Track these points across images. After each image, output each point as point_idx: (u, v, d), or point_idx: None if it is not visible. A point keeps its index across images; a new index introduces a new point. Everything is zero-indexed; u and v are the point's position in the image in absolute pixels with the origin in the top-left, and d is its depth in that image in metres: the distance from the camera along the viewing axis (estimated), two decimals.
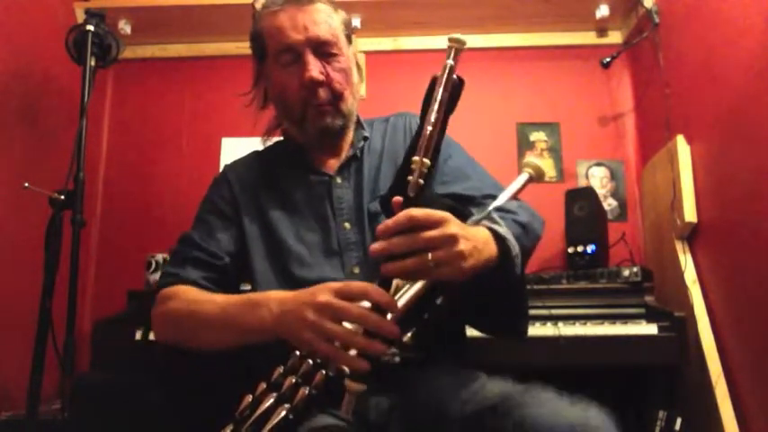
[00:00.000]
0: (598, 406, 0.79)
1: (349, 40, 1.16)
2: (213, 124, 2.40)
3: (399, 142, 1.19)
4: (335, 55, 1.10)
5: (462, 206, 0.94)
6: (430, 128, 0.79)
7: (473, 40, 2.41)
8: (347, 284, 0.82)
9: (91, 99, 1.73)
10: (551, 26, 2.38)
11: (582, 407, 0.78)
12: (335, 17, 1.12)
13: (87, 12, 1.81)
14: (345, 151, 1.17)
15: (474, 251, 0.82)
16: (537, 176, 0.93)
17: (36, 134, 1.99)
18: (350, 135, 1.18)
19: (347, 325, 0.78)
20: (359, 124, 1.20)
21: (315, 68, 1.06)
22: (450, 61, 0.80)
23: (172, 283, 1.05)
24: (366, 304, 0.79)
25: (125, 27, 2.28)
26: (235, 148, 2.33)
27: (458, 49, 0.80)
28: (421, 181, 0.79)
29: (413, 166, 0.79)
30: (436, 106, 0.80)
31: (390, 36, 2.41)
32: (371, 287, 0.79)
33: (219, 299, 0.97)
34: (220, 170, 2.23)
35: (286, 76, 1.10)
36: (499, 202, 0.91)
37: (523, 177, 0.93)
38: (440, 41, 2.42)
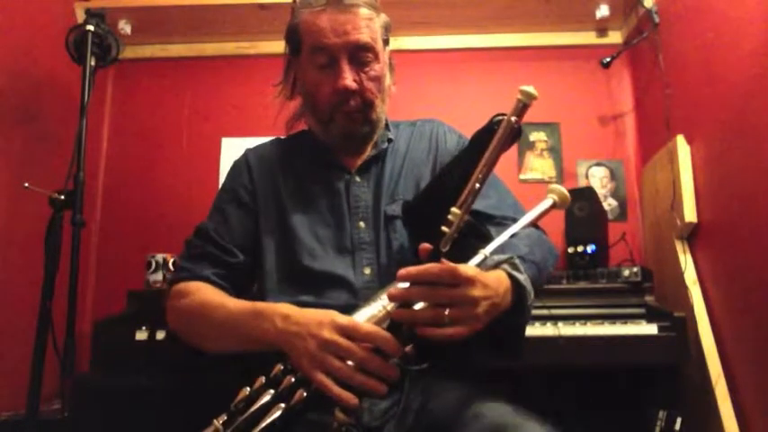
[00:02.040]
0: None
1: (386, 44, 1.15)
2: (213, 124, 2.40)
3: (423, 149, 1.19)
4: (371, 62, 1.09)
5: (480, 223, 0.94)
6: (478, 185, 0.78)
7: (473, 41, 2.42)
8: (354, 325, 0.82)
9: (91, 99, 1.73)
10: (551, 26, 2.37)
11: None
12: (376, 21, 1.10)
13: (87, 12, 1.81)
14: (368, 151, 1.17)
15: (491, 308, 0.82)
16: (561, 204, 0.91)
17: (36, 134, 1.98)
18: (374, 136, 1.18)
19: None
20: (385, 125, 1.20)
21: (349, 77, 1.06)
22: (514, 118, 0.77)
23: (185, 278, 1.06)
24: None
25: (125, 27, 2.28)
26: (235, 148, 2.33)
27: (526, 104, 0.76)
28: (456, 235, 0.78)
29: (450, 218, 0.78)
30: (487, 163, 0.78)
31: (390, 36, 2.40)
32: (377, 333, 0.80)
33: (230, 304, 0.98)
34: (221, 169, 2.27)
35: (319, 78, 1.08)
36: (519, 225, 0.89)
37: (547, 203, 0.91)
38: (440, 41, 2.42)
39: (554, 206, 0.91)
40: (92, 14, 1.79)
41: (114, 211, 2.37)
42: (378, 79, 1.10)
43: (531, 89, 0.75)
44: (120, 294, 1.91)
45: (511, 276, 0.88)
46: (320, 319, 0.83)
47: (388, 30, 1.15)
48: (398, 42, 2.43)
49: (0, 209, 1.81)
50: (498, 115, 0.88)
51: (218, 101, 2.42)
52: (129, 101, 2.46)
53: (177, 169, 2.38)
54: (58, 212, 1.61)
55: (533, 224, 0.99)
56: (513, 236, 0.87)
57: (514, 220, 0.90)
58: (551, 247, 1.07)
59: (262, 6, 2.17)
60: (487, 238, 0.88)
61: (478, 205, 1.03)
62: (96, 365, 1.69)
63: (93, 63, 1.75)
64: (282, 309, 0.90)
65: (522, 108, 0.76)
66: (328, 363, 0.79)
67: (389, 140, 1.19)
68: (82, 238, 1.63)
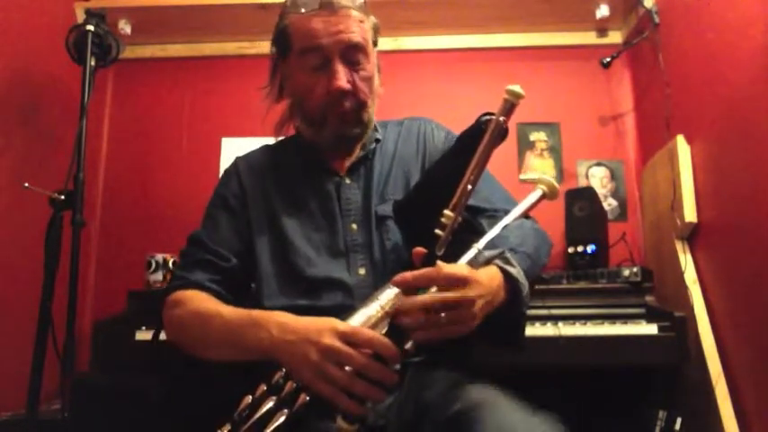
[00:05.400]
0: (557, 422, 0.78)
1: (375, 45, 1.15)
2: (213, 124, 2.40)
3: (412, 147, 1.19)
4: (363, 62, 1.09)
5: (472, 216, 0.95)
6: (470, 186, 0.79)
7: (473, 41, 2.42)
8: (354, 330, 0.82)
9: (91, 99, 1.73)
10: (551, 26, 2.37)
11: (537, 422, 0.77)
12: (367, 23, 1.11)
13: (87, 12, 1.81)
14: (356, 152, 1.17)
15: (486, 306, 0.83)
16: (550, 194, 0.91)
17: (36, 134, 1.98)
18: (364, 137, 1.18)
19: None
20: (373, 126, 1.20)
21: (343, 78, 1.06)
22: (502, 117, 0.78)
23: (180, 286, 1.05)
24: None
25: (125, 27, 2.28)
26: (235, 148, 2.33)
27: (513, 104, 0.77)
28: (450, 237, 0.79)
29: (443, 220, 0.78)
30: (478, 164, 0.79)
31: (390, 36, 2.41)
32: (378, 339, 0.80)
33: (225, 312, 0.96)
34: (221, 169, 2.26)
35: (311, 80, 1.08)
36: (510, 218, 0.89)
37: (536, 194, 0.91)
38: (440, 41, 2.42)
39: (544, 197, 0.91)
40: (92, 14, 1.78)
41: (114, 211, 2.37)
42: (369, 80, 1.10)
43: (517, 88, 0.76)
44: (120, 294, 1.91)
45: (503, 271, 0.88)
46: (319, 327, 0.83)
47: (377, 32, 1.15)
48: (398, 42, 2.44)
49: (0, 209, 1.81)
50: (485, 114, 0.88)
51: (218, 101, 2.42)
52: (129, 101, 2.46)
53: (177, 169, 2.38)
54: (58, 212, 1.61)
55: (525, 215, 0.99)
56: (504, 228, 0.88)
57: (506, 213, 0.91)
58: (545, 235, 1.07)
59: (262, 6, 2.17)
60: (480, 232, 0.88)
61: (470, 200, 1.05)
62: (96, 365, 1.69)
63: (93, 63, 1.75)
64: (278, 317, 0.89)
65: (509, 108, 0.77)
66: (330, 372, 0.79)
67: (377, 141, 1.19)
68: (82, 238, 1.63)
